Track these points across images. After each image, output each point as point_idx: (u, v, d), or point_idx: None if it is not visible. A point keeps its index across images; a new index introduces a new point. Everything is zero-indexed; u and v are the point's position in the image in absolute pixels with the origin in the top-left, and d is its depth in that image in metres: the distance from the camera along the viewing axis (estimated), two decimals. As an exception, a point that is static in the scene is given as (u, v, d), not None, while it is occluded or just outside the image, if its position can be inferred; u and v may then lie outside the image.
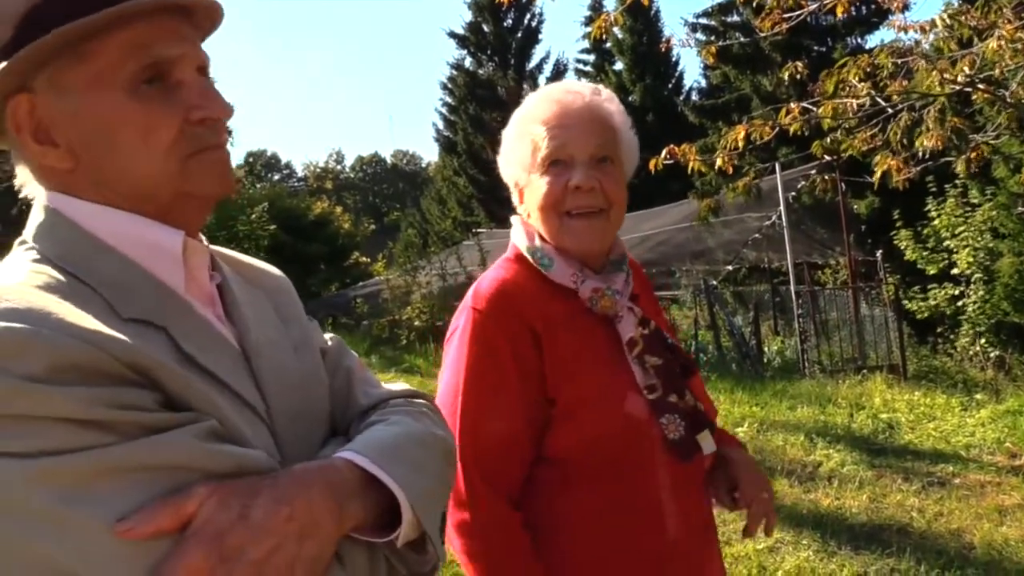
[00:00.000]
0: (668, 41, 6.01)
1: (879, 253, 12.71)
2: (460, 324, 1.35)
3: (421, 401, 1.04)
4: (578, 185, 1.31)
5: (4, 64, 0.83)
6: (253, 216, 22.60)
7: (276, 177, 71.62)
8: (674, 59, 26.28)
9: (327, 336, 1.12)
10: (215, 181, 0.90)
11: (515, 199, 1.46)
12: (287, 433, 0.91)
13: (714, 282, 12.02)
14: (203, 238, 0.96)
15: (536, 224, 1.40)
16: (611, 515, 1.30)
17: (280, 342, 0.99)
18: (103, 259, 0.85)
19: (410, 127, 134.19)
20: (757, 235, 12.59)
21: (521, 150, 1.39)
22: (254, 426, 0.87)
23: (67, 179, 0.87)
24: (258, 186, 37.14)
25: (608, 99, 1.40)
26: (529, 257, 1.39)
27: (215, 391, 0.84)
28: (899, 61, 5.16)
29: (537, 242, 1.39)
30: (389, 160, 79.93)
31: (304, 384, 0.98)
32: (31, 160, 0.88)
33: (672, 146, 5.35)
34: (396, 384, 1.09)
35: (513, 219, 1.47)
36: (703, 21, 22.08)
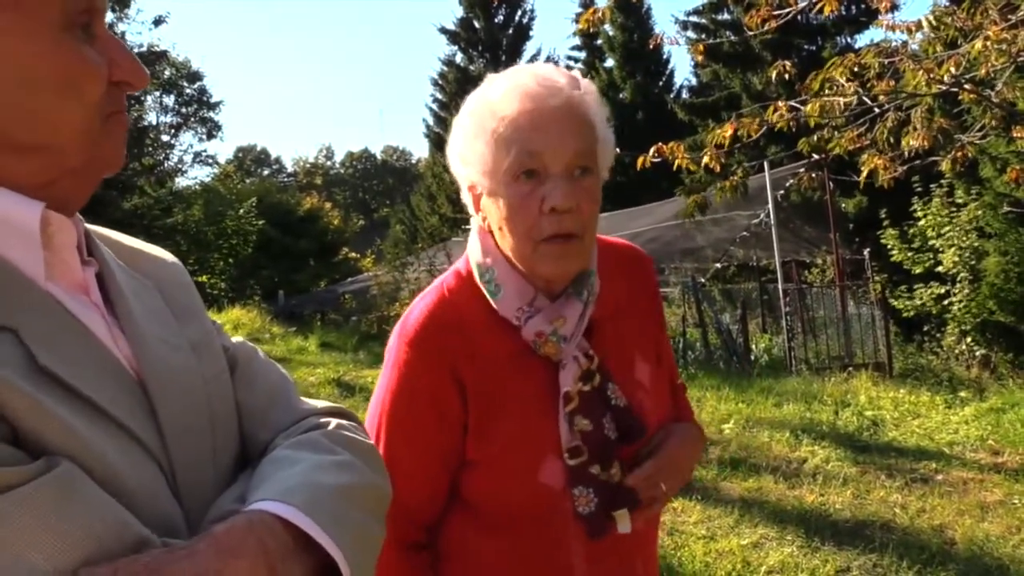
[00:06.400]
0: (658, 38, 6.01)
1: (866, 251, 12.80)
2: (390, 351, 1.25)
3: (347, 422, 0.88)
4: (554, 207, 1.13)
5: None
6: (242, 211, 22.68)
7: (265, 172, 71.51)
8: (665, 56, 26.35)
9: (235, 340, 0.94)
10: (120, 150, 0.78)
11: (468, 200, 1.26)
12: (186, 461, 0.75)
13: (702, 280, 12.07)
14: (78, 215, 0.79)
15: (500, 238, 1.22)
16: (520, 566, 1.23)
17: (174, 342, 0.81)
18: None
19: (401, 123, 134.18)
20: (745, 233, 12.66)
21: (481, 150, 1.17)
22: (138, 463, 0.69)
23: None
24: (247, 181, 37.12)
25: (587, 91, 1.19)
26: (477, 278, 1.24)
27: (82, 418, 0.66)
28: (886, 61, 5.18)
29: (490, 260, 1.23)
30: (379, 156, 79.84)
31: (208, 398, 0.81)
32: None
33: (660, 144, 5.35)
34: (320, 401, 0.94)
35: (472, 223, 1.29)
36: (694, 19, 22.14)
